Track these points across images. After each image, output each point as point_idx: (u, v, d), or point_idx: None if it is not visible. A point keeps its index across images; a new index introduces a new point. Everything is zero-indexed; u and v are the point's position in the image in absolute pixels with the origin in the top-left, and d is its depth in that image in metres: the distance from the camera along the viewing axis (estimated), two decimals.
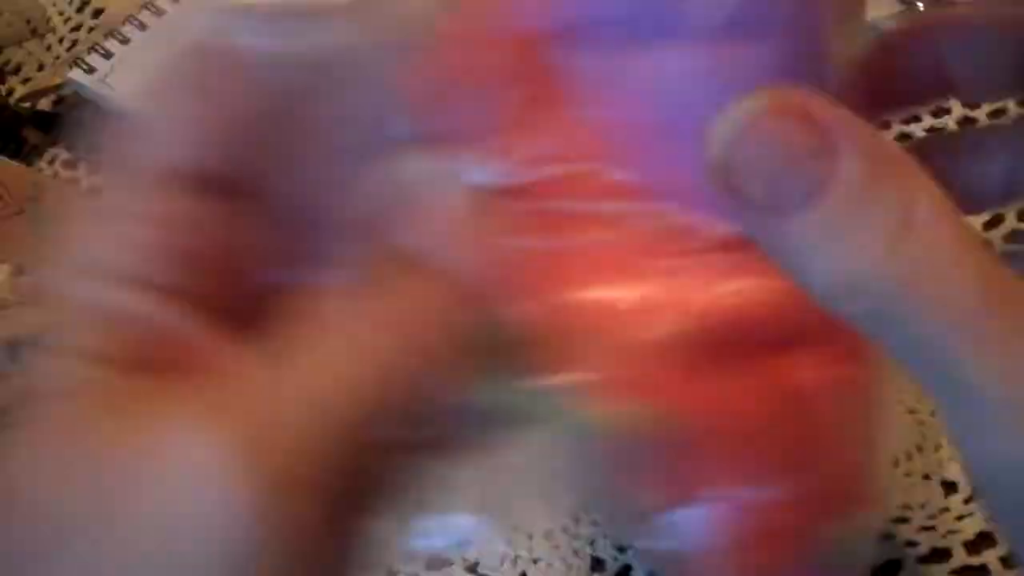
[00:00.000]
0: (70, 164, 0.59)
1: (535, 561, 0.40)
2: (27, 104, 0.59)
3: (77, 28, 0.65)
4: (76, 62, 0.56)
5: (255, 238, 0.19)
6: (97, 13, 0.65)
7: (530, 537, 0.41)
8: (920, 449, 0.41)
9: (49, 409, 0.16)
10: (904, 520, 0.40)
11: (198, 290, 0.17)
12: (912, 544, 0.40)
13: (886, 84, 0.24)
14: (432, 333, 0.17)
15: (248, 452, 0.15)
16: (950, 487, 0.41)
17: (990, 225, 0.45)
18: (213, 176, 0.18)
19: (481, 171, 0.20)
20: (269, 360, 0.17)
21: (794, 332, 0.22)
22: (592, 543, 0.40)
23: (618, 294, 0.21)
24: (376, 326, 0.17)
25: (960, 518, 0.40)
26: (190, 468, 0.15)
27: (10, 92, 0.62)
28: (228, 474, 0.15)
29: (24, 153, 0.59)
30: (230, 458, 0.15)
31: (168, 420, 0.16)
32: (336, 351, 0.17)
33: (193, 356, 0.17)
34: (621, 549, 0.39)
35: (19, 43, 0.64)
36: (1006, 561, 0.40)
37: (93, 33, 0.60)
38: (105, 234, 0.18)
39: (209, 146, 0.18)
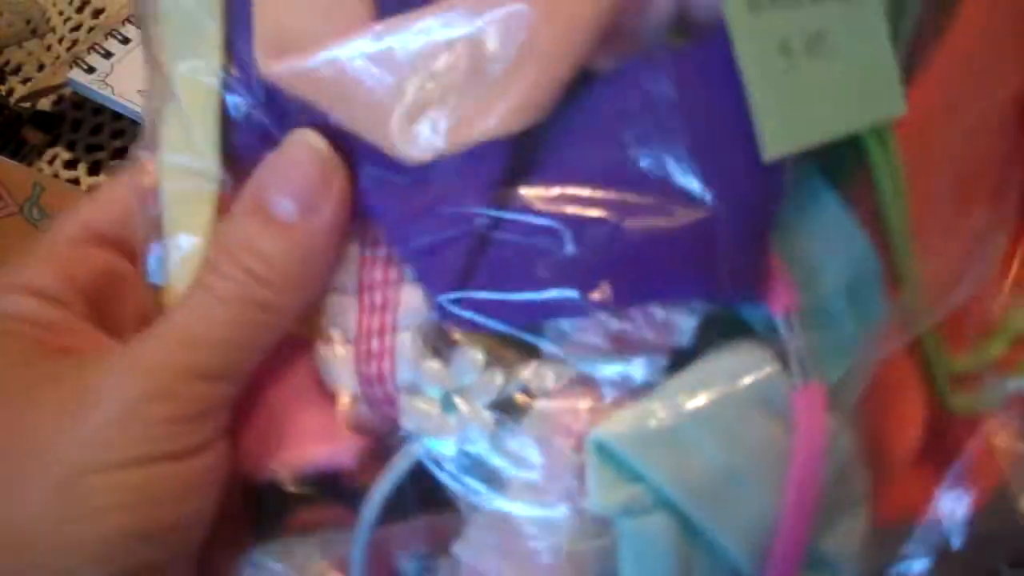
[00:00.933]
0: (70, 164, 0.59)
1: None
2: (27, 104, 0.59)
3: (77, 28, 0.64)
4: (76, 62, 0.55)
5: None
6: (97, 13, 0.65)
7: None
8: None
9: None
10: None
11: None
12: None
13: None
14: None
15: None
16: None
17: None
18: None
19: None
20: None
21: None
22: None
23: None
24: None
25: None
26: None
27: (10, 92, 0.61)
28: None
29: (24, 153, 0.59)
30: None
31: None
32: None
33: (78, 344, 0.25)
34: None
35: (19, 43, 0.64)
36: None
37: (93, 33, 0.60)
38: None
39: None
